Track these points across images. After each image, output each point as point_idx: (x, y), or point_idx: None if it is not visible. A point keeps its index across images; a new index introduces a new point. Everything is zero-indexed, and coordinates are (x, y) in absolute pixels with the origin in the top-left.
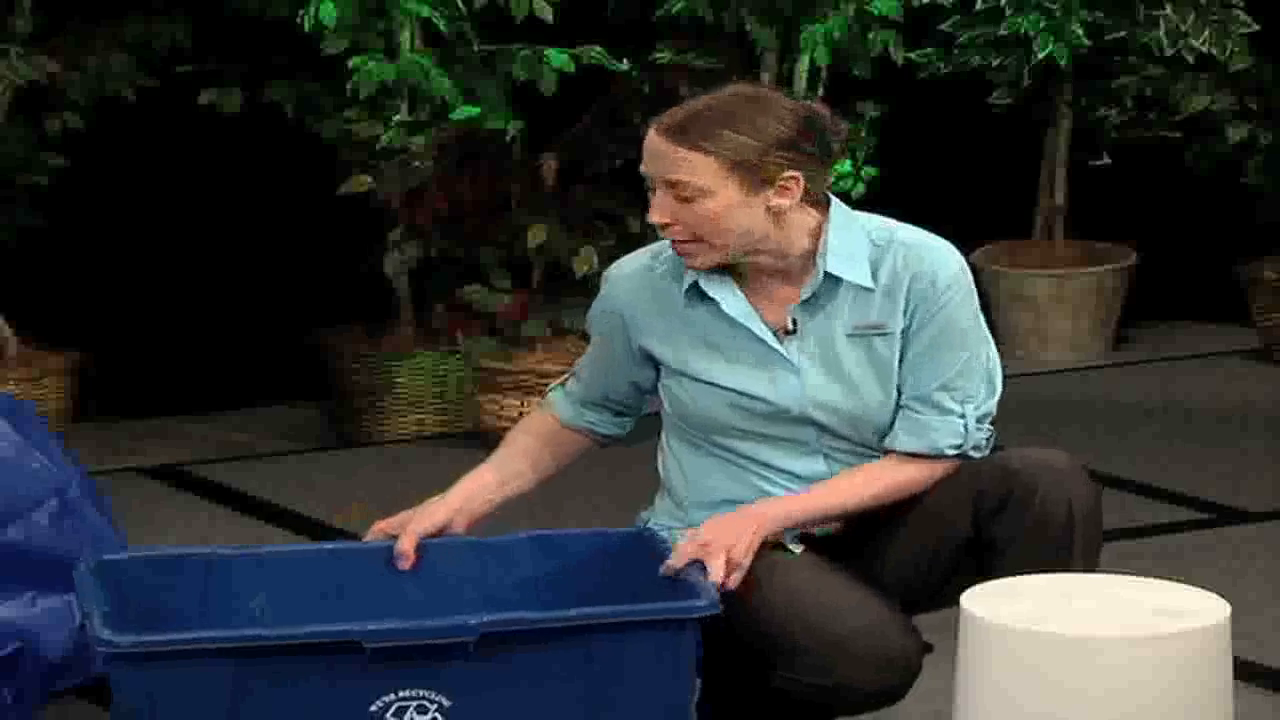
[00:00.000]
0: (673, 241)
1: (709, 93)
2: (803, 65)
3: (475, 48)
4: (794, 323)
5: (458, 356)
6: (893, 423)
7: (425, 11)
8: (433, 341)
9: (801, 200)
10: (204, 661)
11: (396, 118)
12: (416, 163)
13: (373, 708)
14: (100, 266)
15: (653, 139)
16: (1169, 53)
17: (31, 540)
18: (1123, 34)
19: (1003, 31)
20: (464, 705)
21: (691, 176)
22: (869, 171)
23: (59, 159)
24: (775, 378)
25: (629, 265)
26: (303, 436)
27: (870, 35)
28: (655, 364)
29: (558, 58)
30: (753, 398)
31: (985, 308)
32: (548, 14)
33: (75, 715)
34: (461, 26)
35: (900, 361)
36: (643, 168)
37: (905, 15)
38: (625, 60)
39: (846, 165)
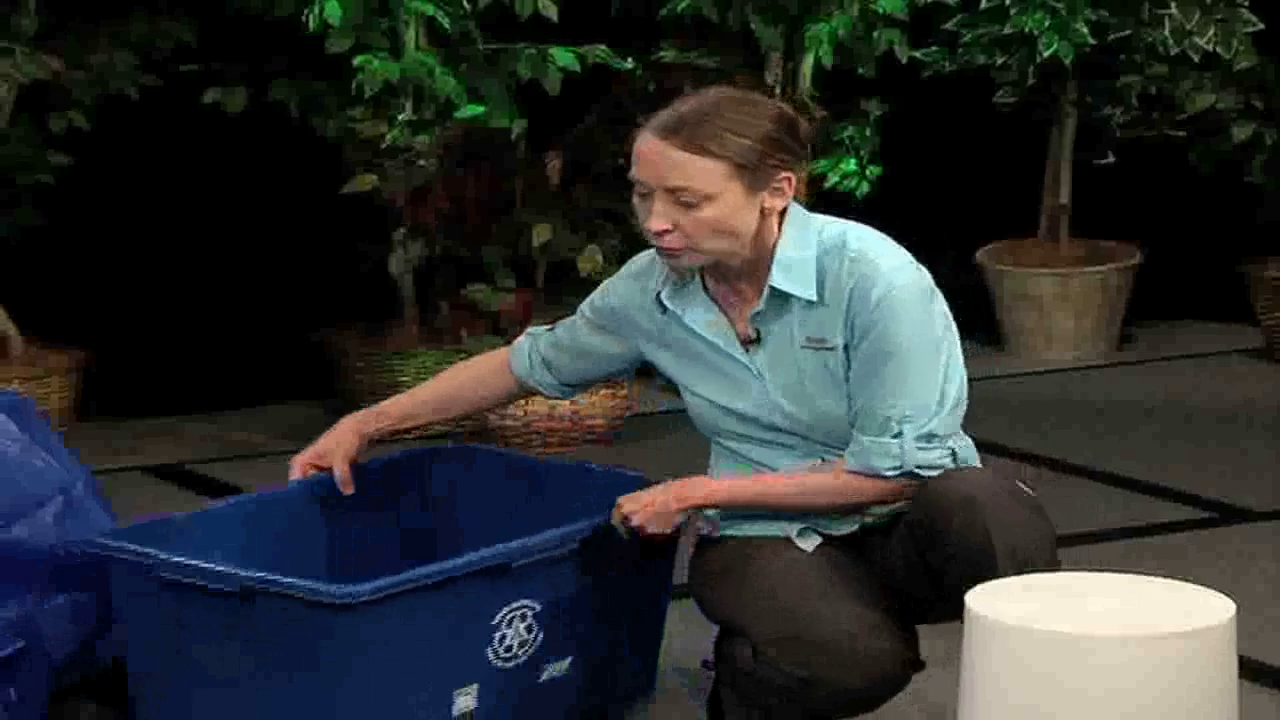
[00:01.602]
0: (661, 248)
1: (694, 95)
2: (807, 64)
3: (479, 46)
4: (756, 332)
5: (462, 355)
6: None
7: (430, 10)
8: (437, 340)
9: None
10: (415, 598)
11: (401, 117)
12: (421, 162)
13: (495, 619)
14: (104, 265)
15: (651, 144)
16: (1174, 51)
17: (36, 539)
18: (1127, 32)
19: (1007, 30)
20: (549, 608)
21: (696, 182)
22: (874, 171)
23: (63, 158)
24: (744, 387)
25: (638, 264)
26: (307, 435)
27: (875, 34)
28: (641, 363)
29: (563, 56)
30: (727, 407)
31: (989, 306)
32: (552, 13)
33: (80, 713)
34: (466, 25)
35: (847, 377)
36: (636, 173)
37: (910, 14)
38: (630, 59)
39: (851, 164)
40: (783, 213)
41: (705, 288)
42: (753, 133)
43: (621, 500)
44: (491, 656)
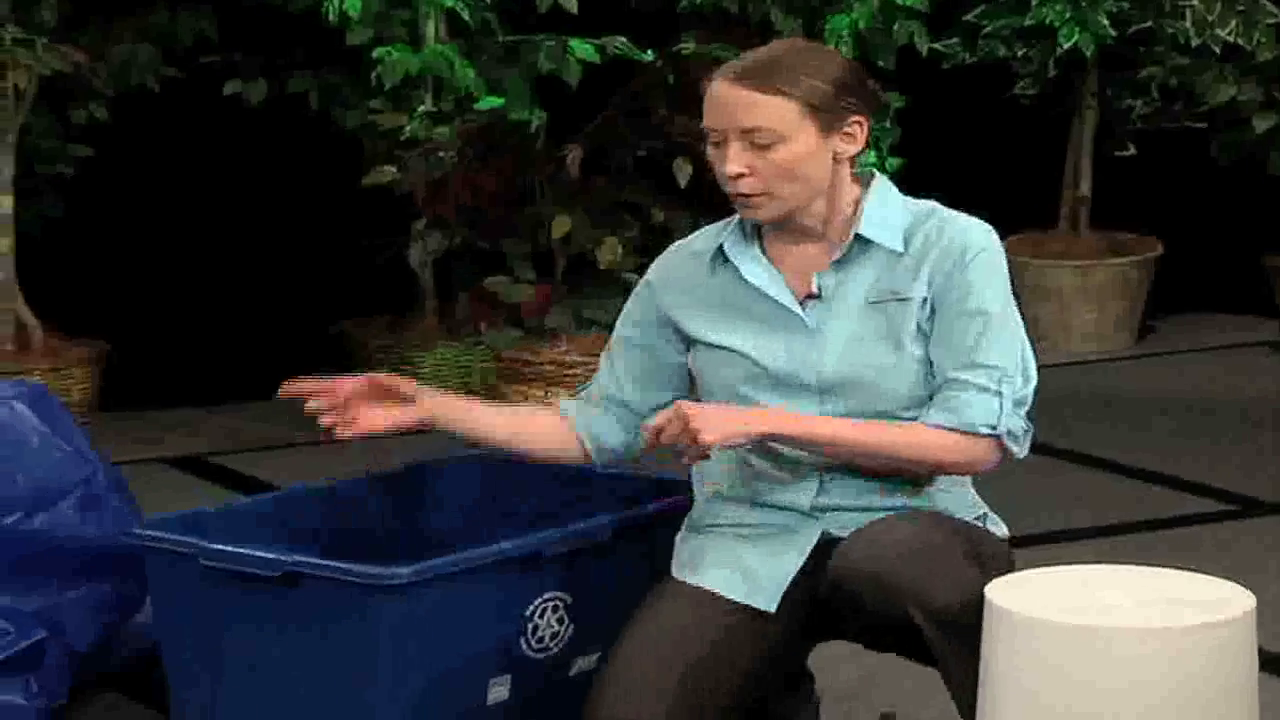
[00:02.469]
0: (738, 195)
1: (762, 48)
2: None
3: (499, 39)
4: (818, 288)
5: (481, 347)
6: (907, 390)
7: (450, 2)
8: (456, 332)
9: (852, 167)
10: (454, 582)
11: (421, 109)
12: (440, 154)
13: (528, 611)
14: (125, 257)
15: (724, 88)
16: (1195, 43)
17: (58, 529)
18: (1149, 24)
19: (1028, 22)
20: (580, 601)
21: (771, 121)
22: (893, 162)
23: (84, 149)
24: (792, 342)
25: (675, 246)
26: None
27: (895, 26)
28: (682, 339)
29: (583, 48)
30: (759, 363)
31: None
32: (572, 5)
33: (102, 704)
34: (486, 17)
35: (930, 336)
36: (708, 121)
37: (930, 6)
38: (649, 51)
39: (871, 156)
40: (854, 163)
41: (762, 248)
42: (824, 75)
43: (683, 404)
44: (525, 647)
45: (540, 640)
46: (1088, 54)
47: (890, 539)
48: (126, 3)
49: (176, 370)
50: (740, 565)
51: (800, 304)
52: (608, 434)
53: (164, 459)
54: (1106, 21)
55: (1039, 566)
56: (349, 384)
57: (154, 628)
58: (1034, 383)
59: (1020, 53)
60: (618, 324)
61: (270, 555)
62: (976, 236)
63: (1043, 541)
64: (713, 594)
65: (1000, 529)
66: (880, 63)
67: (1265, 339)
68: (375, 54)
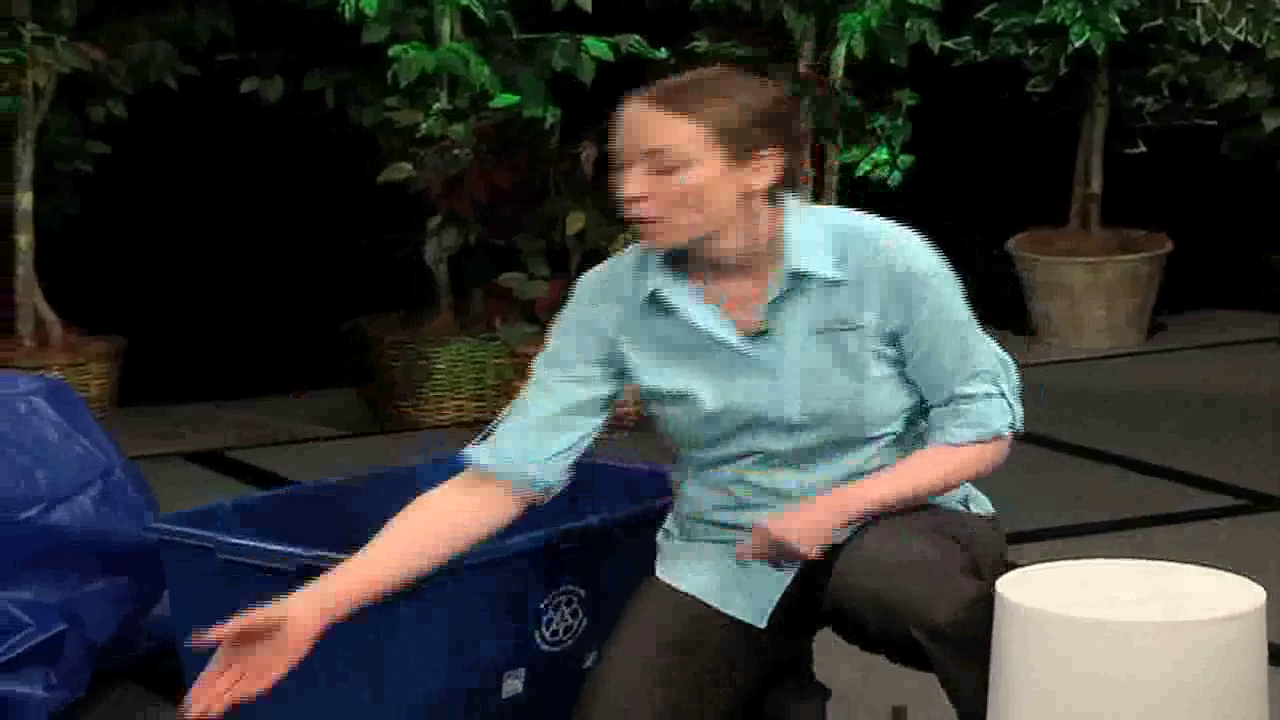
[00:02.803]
0: (634, 218)
1: (690, 70)
2: (839, 54)
3: (514, 37)
4: (763, 325)
5: (496, 343)
6: (877, 411)
7: (465, 1)
8: (471, 328)
9: (767, 193)
10: (468, 577)
11: (436, 106)
12: (456, 151)
13: (542, 604)
14: (143, 253)
15: (634, 109)
16: (1205, 41)
17: (77, 523)
18: (1159, 22)
19: (1039, 20)
20: (593, 595)
21: (674, 145)
22: (906, 160)
23: (103, 146)
24: (750, 382)
25: (597, 274)
26: (342, 422)
27: (907, 24)
28: (620, 376)
29: (597, 46)
30: (726, 406)
31: (1020, 295)
32: (586, 3)
33: (120, 693)
34: (501, 15)
35: (913, 358)
36: (615, 142)
37: (941, 4)
38: (663, 49)
39: (884, 153)
40: (771, 198)
41: (696, 288)
42: (740, 102)
43: (769, 525)
44: (539, 640)
45: (554, 634)
46: (1098, 52)
47: (888, 555)
48: (144, 1)
49: (193, 365)
50: (733, 576)
51: (748, 340)
52: (544, 473)
53: (181, 453)
54: (1117, 19)
55: (1049, 561)
56: (221, 652)
57: (171, 620)
58: (1009, 362)
59: (1031, 51)
60: (545, 360)
61: (286, 550)
62: (918, 256)
63: (1053, 536)
64: (705, 605)
65: (984, 506)
66: (893, 60)
67: (1274, 335)
68: (391, 52)
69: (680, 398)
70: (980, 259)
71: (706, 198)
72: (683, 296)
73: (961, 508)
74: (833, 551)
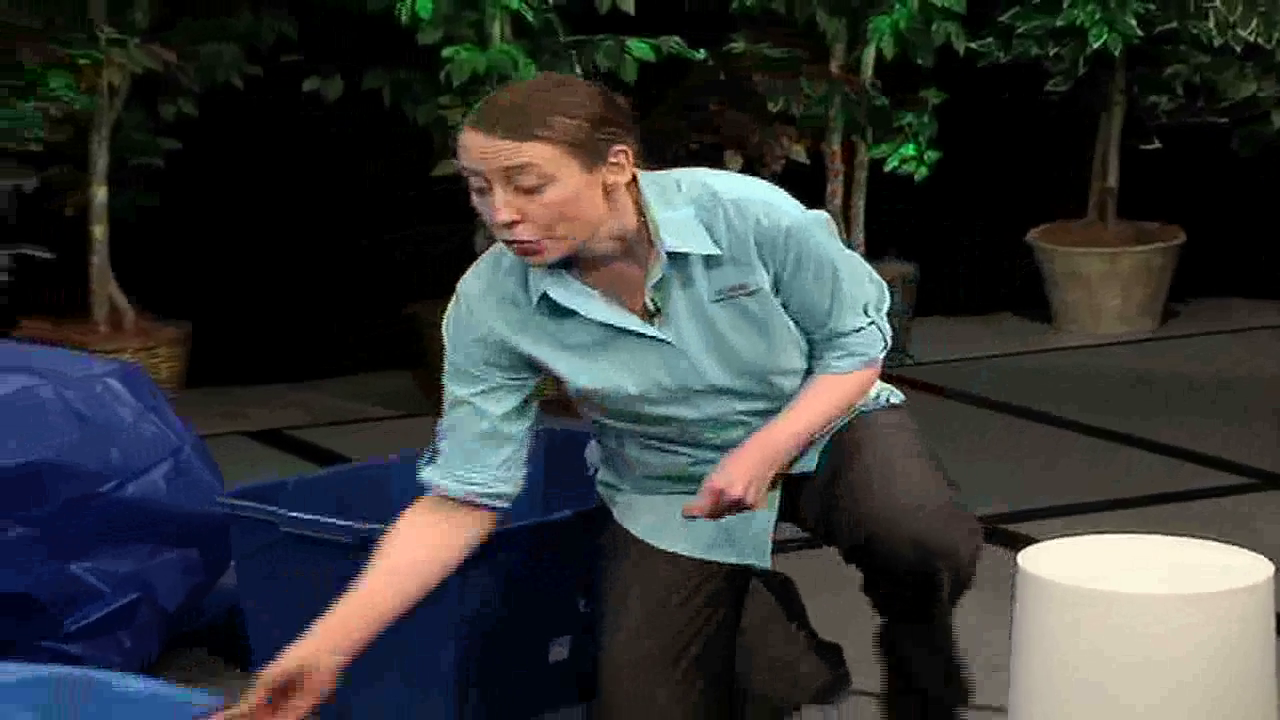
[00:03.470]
0: (514, 243)
1: (508, 88)
2: (869, 54)
3: (561, 38)
4: (654, 304)
5: None
6: (797, 357)
7: (514, 4)
8: None
9: (629, 183)
10: (518, 543)
11: None
12: None
13: (587, 570)
14: (211, 243)
15: (478, 139)
16: (1217, 43)
17: (149, 498)
18: (1174, 25)
19: (1059, 23)
20: None
21: (535, 165)
22: (932, 155)
23: (173, 142)
24: (666, 361)
25: (477, 283)
26: (398, 403)
27: (934, 26)
28: (530, 370)
29: (639, 48)
30: (652, 387)
31: (1040, 285)
32: (629, 6)
33: (189, 659)
34: (549, 18)
35: (788, 307)
36: (466, 167)
37: (966, 7)
38: (702, 50)
39: (911, 149)
40: (631, 185)
41: (583, 280)
42: (576, 112)
43: (715, 481)
44: (583, 606)
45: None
46: (1116, 53)
47: (917, 493)
48: (213, 5)
49: (258, 349)
50: (716, 525)
51: (650, 323)
52: (489, 483)
53: (246, 432)
54: (1134, 22)
55: (1067, 536)
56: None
57: (237, 590)
58: (881, 283)
59: (1052, 52)
60: (454, 378)
61: (345, 523)
62: (776, 209)
63: (1070, 513)
64: (699, 561)
65: (898, 396)
66: (920, 61)
67: None
68: (445, 53)
69: (605, 391)
70: (1002, 250)
71: (578, 208)
72: (575, 296)
73: (885, 404)
74: (819, 485)
